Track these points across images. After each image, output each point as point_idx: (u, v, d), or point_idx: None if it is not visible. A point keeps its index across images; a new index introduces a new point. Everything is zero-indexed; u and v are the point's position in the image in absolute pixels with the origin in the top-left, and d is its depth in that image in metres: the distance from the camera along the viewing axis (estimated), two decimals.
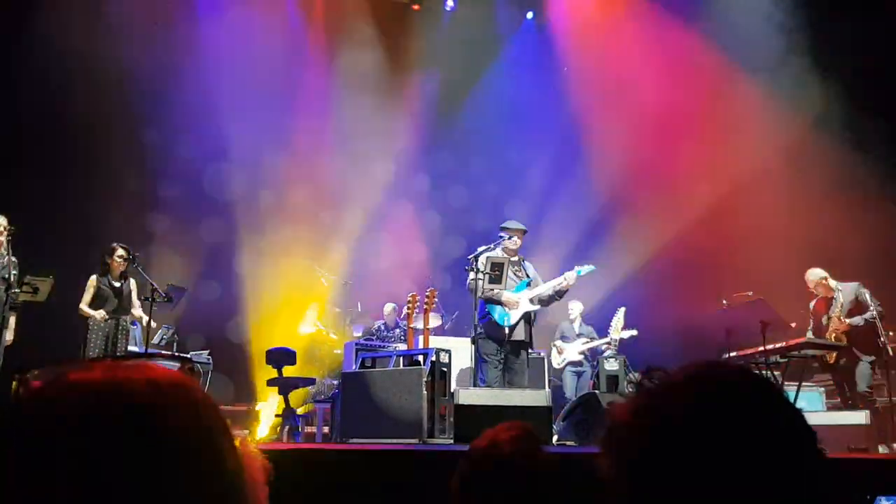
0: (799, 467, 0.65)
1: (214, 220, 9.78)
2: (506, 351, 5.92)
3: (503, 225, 6.31)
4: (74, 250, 7.46)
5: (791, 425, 0.69)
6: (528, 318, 6.05)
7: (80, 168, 8.50)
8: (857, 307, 6.31)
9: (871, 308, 6.20)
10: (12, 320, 5.92)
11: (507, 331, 5.89)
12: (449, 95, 10.72)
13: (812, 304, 6.73)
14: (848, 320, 6.26)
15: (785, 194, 8.54)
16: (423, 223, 10.85)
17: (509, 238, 6.15)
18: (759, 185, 8.90)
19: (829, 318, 6.45)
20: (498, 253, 6.04)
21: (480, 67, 11.02)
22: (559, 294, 6.22)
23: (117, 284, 6.35)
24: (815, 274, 6.63)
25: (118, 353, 6.21)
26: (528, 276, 6.19)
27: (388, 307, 8.69)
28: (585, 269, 6.27)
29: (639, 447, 0.68)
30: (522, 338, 5.98)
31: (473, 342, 5.81)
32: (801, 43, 8.70)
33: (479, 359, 5.77)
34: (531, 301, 6.04)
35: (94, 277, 6.33)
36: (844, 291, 6.35)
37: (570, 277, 6.10)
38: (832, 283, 6.50)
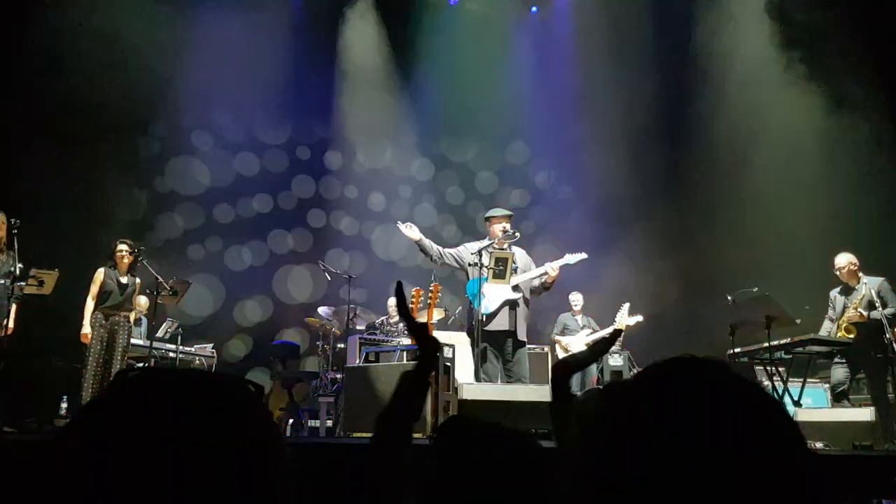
0: (776, 468, 0.61)
1: (216, 218, 9.80)
2: (489, 342, 5.75)
3: (487, 215, 6.18)
4: (79, 244, 7.47)
5: (770, 423, 0.64)
6: (512, 305, 5.82)
7: (85, 160, 8.49)
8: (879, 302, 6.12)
9: (892, 306, 6.09)
10: (13, 309, 5.94)
11: (485, 319, 5.70)
12: (451, 88, 10.67)
13: (834, 291, 6.51)
14: (866, 313, 6.13)
15: (791, 190, 8.49)
16: (426, 216, 10.83)
17: (499, 225, 5.98)
18: (765, 179, 8.84)
19: (844, 308, 6.29)
20: (500, 247, 5.95)
21: (484, 60, 10.96)
22: (545, 286, 6.01)
23: (123, 280, 6.36)
24: (845, 258, 6.38)
25: (117, 349, 6.22)
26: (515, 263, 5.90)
27: (392, 301, 8.66)
28: (575, 258, 6.04)
29: (606, 447, 0.65)
30: (506, 327, 5.78)
31: (470, 335, 5.75)
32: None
33: (476, 352, 5.69)
34: (513, 288, 5.82)
35: (101, 270, 6.32)
36: (870, 283, 6.21)
37: (551, 268, 5.84)
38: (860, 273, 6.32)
